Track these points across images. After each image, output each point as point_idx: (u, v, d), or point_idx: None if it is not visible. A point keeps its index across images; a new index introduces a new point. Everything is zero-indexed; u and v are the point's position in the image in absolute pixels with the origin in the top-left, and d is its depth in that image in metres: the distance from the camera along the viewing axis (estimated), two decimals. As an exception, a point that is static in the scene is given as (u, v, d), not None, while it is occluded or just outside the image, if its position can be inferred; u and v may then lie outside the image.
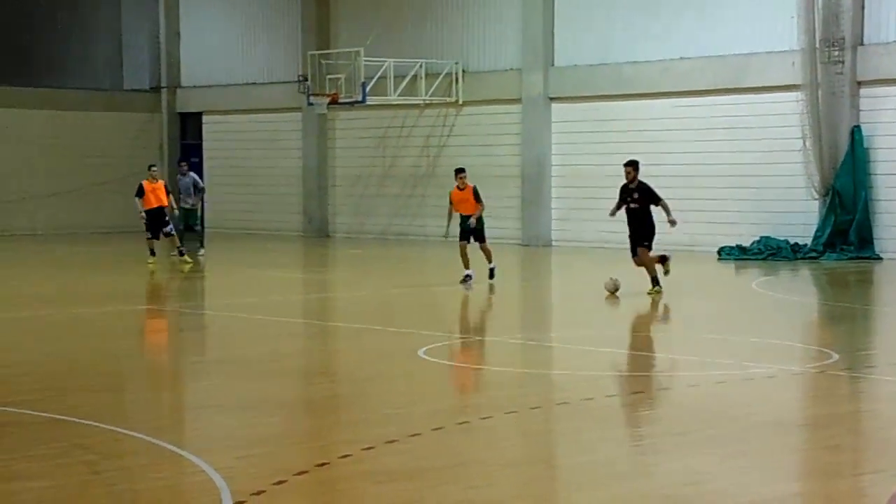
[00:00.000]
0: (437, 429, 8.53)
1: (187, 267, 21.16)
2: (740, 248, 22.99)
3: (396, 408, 9.42)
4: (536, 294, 19.30)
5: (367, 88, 26.52)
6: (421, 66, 27.48)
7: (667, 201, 16.77)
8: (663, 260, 16.90)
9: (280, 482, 7.07)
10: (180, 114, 32.86)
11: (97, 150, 31.54)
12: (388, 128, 29.00)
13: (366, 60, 26.48)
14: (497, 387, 10.46)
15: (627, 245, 16.92)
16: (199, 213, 23.63)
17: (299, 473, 7.30)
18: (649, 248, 16.55)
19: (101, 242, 28.03)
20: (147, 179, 21.42)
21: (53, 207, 30.09)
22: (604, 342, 12.81)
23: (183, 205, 22.85)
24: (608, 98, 25.56)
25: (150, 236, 21.26)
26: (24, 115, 30.56)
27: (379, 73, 26.88)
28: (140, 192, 21.28)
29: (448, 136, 28.22)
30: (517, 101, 26.84)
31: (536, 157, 26.57)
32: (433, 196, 28.31)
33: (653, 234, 16.63)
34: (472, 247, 18.14)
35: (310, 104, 27.87)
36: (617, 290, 16.34)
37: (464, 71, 27.65)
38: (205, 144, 32.49)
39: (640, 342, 13.51)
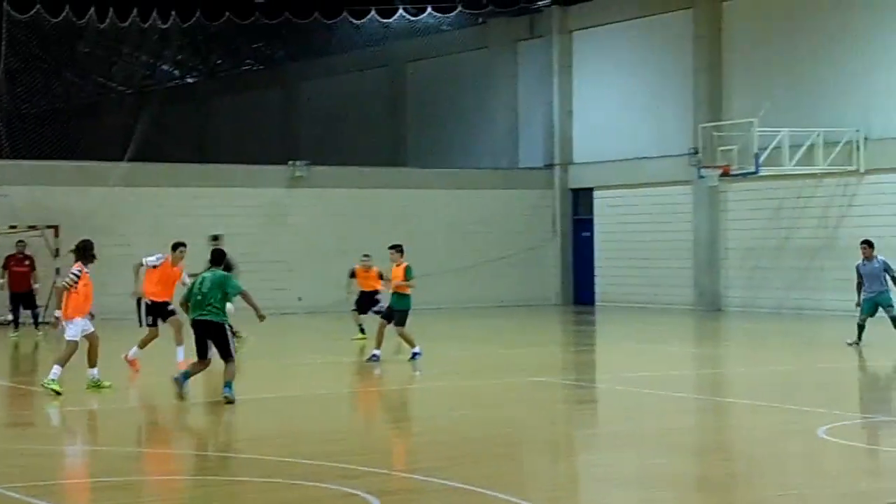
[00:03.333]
0: (840, 514, 8.11)
1: (360, 343, 20.57)
2: None
3: (795, 489, 9.05)
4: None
5: (761, 159, 25.98)
6: (819, 134, 26.59)
7: None
8: None
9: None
10: (572, 189, 33.58)
11: (495, 227, 32.80)
12: (783, 199, 28.20)
13: (759, 131, 25.98)
14: (906, 472, 9.81)
15: None
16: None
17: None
18: None
19: (498, 316, 29.01)
20: (360, 267, 21.58)
21: (453, 282, 31.48)
22: None
23: (868, 293, 19.12)
24: None
25: (354, 308, 21.51)
26: (429, 195, 32.32)
27: (773, 143, 26.27)
28: (352, 275, 21.73)
29: (848, 206, 27.03)
30: (927, 167, 25.36)
31: (949, 227, 24.90)
32: (833, 269, 27.14)
33: None
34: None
35: (701, 176, 27.65)
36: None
37: (866, 138, 26.49)
38: (596, 219, 32.98)
39: None
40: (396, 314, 17.92)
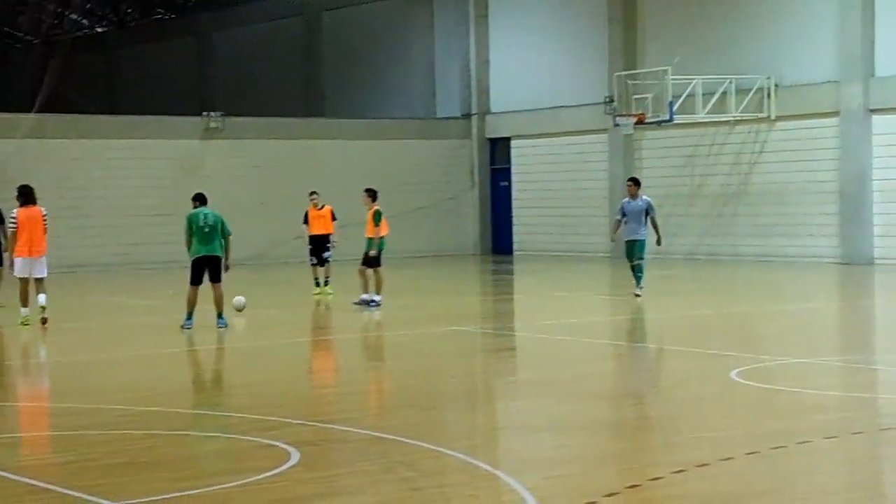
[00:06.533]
0: (751, 453, 8.29)
1: (318, 298, 19.87)
2: None
3: (708, 431, 9.22)
4: (859, 314, 18.40)
5: (675, 107, 26.21)
6: (731, 82, 26.89)
7: None
8: None
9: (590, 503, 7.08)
10: (490, 139, 33.61)
11: (413, 177, 32.73)
12: (697, 146, 28.52)
13: (673, 79, 26.19)
14: (816, 411, 10.05)
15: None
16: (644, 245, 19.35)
17: (609, 495, 7.27)
18: None
19: (418, 266, 29.04)
20: (311, 206, 20.82)
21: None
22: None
23: (633, 236, 19.24)
24: (934, 107, 24.20)
25: (314, 262, 20.63)
26: (346, 146, 32.11)
27: (687, 91, 26.51)
28: (305, 219, 20.97)
29: (760, 152, 27.44)
30: (834, 114, 25.80)
31: (856, 172, 25.42)
32: (744, 215, 27.60)
33: None
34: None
35: (616, 125, 27.84)
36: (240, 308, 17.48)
37: (776, 85, 26.84)
38: (513, 168, 33.07)
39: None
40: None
